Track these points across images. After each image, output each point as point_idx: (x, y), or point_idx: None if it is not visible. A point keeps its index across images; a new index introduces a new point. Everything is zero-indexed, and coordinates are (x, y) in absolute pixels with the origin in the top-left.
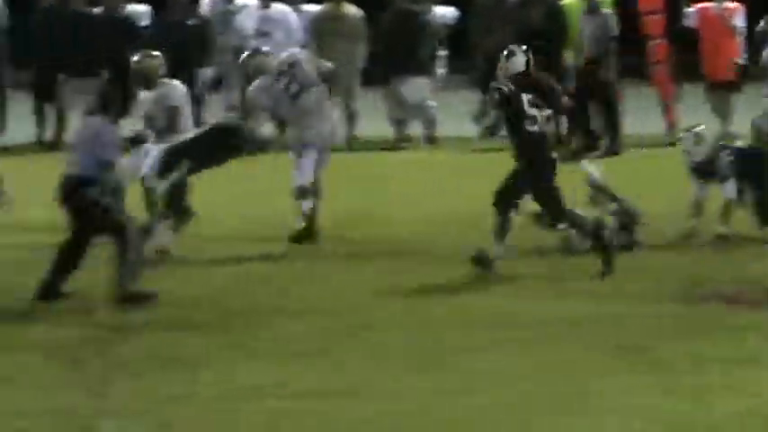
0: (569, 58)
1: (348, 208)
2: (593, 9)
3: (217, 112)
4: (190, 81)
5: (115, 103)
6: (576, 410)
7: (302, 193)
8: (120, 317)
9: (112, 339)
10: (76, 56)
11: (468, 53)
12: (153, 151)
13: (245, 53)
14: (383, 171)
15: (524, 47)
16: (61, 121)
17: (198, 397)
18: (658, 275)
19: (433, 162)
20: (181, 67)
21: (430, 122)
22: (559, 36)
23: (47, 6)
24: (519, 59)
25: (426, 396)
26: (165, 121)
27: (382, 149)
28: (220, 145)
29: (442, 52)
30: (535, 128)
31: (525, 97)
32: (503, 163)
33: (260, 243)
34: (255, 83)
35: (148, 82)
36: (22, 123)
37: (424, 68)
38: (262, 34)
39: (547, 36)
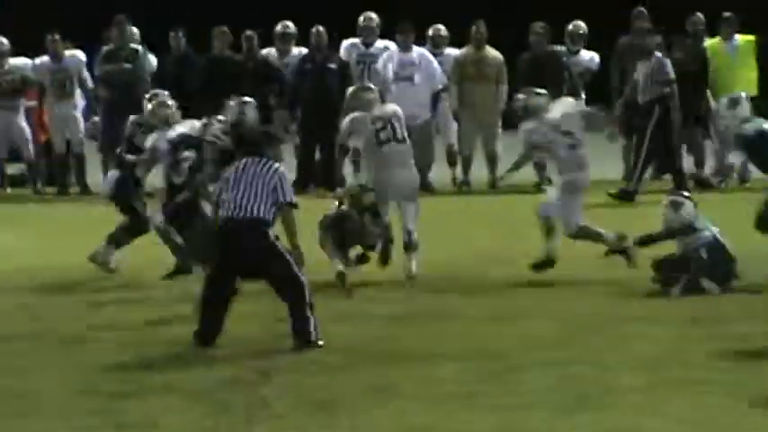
0: (712, 99)
1: (488, 250)
2: (647, 53)
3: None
4: (330, 125)
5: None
6: None
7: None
8: (265, 360)
9: (256, 382)
10: (214, 100)
11: (608, 97)
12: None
13: (351, 88)
14: (525, 214)
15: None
16: None
17: None
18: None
19: None
20: (322, 111)
21: None
22: (702, 78)
23: (183, 51)
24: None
25: None
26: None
27: (524, 192)
28: None
29: (582, 95)
30: None
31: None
32: (646, 206)
33: (401, 285)
34: (354, 114)
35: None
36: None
37: None
38: (402, 78)
39: (690, 78)
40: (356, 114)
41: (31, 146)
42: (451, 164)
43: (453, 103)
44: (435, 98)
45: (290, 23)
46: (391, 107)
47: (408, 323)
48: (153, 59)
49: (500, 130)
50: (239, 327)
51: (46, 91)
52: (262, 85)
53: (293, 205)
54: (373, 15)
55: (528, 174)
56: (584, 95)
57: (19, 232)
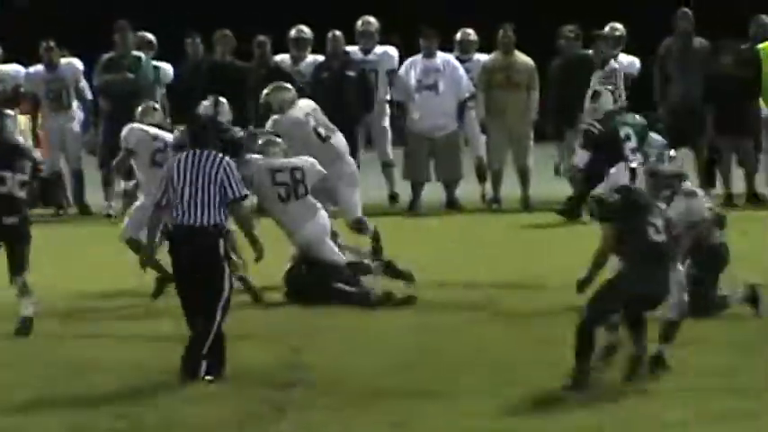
0: (764, 106)
1: (518, 273)
2: (601, 61)
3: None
4: (349, 133)
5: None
6: None
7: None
8: (278, 393)
9: (269, 418)
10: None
11: (651, 104)
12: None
13: (269, 87)
14: (559, 234)
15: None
16: None
17: None
18: None
19: None
20: (340, 123)
21: None
22: (752, 84)
23: (197, 59)
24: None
25: None
26: None
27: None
28: None
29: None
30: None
31: None
32: None
33: (417, 312)
34: (288, 115)
35: None
36: None
37: None
38: (426, 87)
39: (739, 84)
40: (289, 119)
41: None
42: (481, 179)
43: (480, 113)
44: (462, 107)
45: (304, 28)
46: (305, 104)
47: (430, 352)
48: (169, 69)
49: (532, 143)
50: (250, 358)
51: (40, 102)
52: None
53: (244, 198)
54: (372, 20)
55: (563, 191)
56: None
57: None
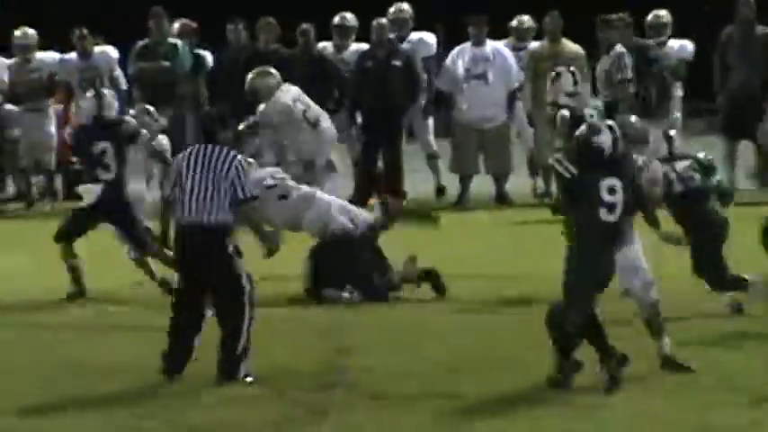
0: None
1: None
2: (607, 47)
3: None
4: (391, 124)
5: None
6: None
7: None
8: (319, 396)
9: (309, 421)
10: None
11: (710, 92)
12: None
13: (254, 72)
14: None
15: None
16: None
17: None
18: None
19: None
20: (385, 114)
21: None
22: None
23: (239, 47)
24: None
25: None
26: None
27: None
28: None
29: (678, 92)
30: None
31: None
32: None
33: (474, 309)
34: (275, 101)
35: None
36: None
37: (654, 112)
38: (474, 76)
39: None
40: (276, 107)
41: (53, 155)
42: (533, 172)
43: (527, 104)
44: (512, 98)
45: (348, 15)
46: (291, 89)
47: (473, 350)
48: (209, 57)
49: None
50: (288, 358)
51: (74, 91)
52: (318, 84)
53: (254, 198)
54: (405, 6)
55: None
56: (680, 92)
57: (41, 254)
